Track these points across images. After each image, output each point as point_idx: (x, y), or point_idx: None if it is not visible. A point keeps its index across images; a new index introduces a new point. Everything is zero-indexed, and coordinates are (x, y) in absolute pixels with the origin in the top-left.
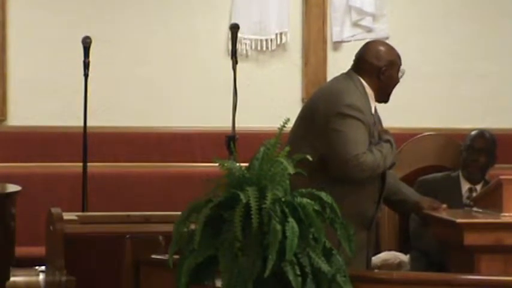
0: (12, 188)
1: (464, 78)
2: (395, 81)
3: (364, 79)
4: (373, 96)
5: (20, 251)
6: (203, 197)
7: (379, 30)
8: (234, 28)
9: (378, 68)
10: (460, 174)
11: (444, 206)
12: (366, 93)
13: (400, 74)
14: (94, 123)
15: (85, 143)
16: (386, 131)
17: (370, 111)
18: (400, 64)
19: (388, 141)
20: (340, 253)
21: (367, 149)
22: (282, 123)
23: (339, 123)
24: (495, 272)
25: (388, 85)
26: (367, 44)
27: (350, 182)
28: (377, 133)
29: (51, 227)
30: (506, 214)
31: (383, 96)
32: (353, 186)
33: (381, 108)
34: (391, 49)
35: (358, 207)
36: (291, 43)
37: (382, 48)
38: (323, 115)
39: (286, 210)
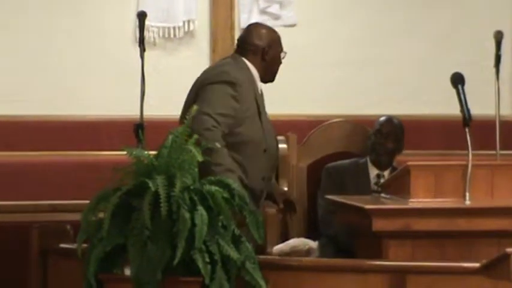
0: None
1: (371, 64)
2: (278, 61)
3: (248, 60)
4: (258, 77)
5: None
6: (112, 186)
7: (287, 18)
8: (141, 16)
9: (262, 48)
10: (368, 160)
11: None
12: (251, 74)
13: (282, 55)
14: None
15: None
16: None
17: (256, 90)
18: (281, 45)
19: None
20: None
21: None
22: (190, 111)
23: (207, 89)
24: (403, 258)
25: (272, 65)
26: (248, 27)
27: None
28: (265, 115)
29: None
30: (414, 200)
31: (268, 76)
32: (241, 158)
33: (289, 97)
34: (272, 31)
35: (248, 180)
36: (198, 30)
37: (263, 29)
38: (199, 85)
39: (195, 198)
